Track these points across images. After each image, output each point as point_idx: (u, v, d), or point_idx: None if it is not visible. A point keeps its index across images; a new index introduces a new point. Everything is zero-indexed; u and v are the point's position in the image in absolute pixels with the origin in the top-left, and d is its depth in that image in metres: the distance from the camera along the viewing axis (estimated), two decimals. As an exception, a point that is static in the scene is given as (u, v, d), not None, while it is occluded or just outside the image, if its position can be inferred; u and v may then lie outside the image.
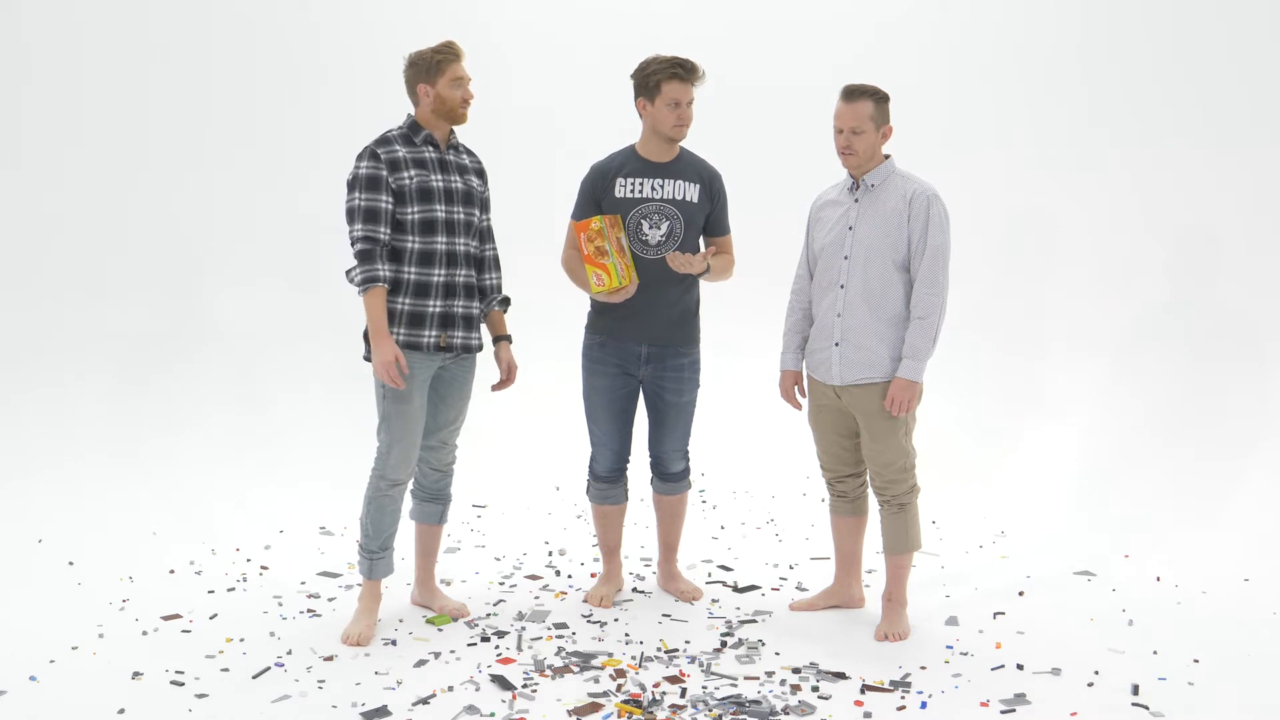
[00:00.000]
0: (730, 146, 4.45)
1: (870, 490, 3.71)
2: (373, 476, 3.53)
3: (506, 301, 3.68)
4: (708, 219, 3.70)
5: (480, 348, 3.59)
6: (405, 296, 3.40)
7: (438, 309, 3.44)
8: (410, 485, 3.70)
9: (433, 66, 3.38)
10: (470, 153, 3.61)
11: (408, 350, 3.41)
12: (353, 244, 3.33)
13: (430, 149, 3.44)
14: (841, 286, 3.50)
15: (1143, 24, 5.21)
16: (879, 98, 3.44)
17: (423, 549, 3.77)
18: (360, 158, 3.36)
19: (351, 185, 3.35)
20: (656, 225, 3.61)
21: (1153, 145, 5.14)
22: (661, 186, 3.62)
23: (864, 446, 3.59)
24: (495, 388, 3.69)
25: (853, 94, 3.44)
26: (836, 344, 3.52)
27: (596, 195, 3.67)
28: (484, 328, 3.68)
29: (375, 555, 3.58)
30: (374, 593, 3.62)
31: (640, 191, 3.62)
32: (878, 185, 3.50)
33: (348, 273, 3.36)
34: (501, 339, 3.69)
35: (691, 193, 3.63)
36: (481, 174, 3.60)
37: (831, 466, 3.72)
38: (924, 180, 3.49)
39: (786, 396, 3.73)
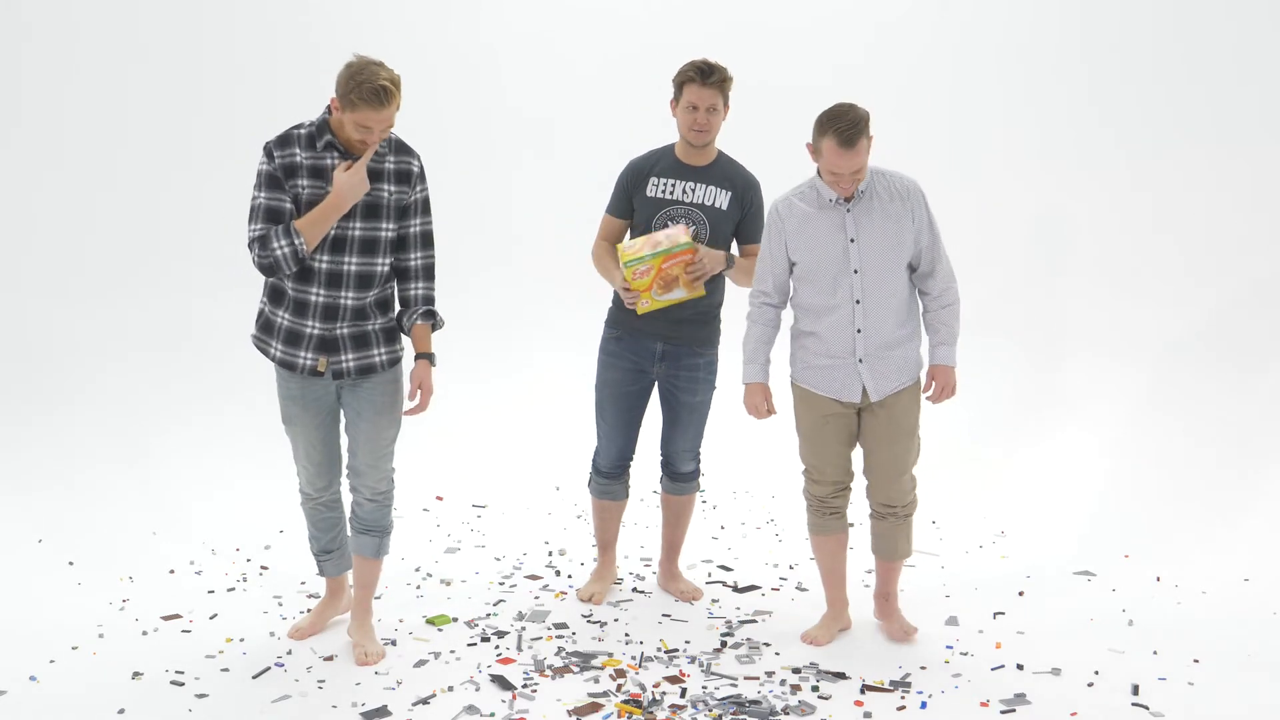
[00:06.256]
0: (730, 147, 4.44)
1: (869, 503, 3.57)
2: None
3: (431, 315, 3.32)
4: (739, 227, 3.68)
5: (387, 365, 3.31)
6: (286, 312, 3.21)
7: (316, 331, 3.20)
8: (348, 514, 3.50)
9: (345, 98, 3.00)
10: (402, 148, 3.26)
11: (283, 369, 3.27)
12: (250, 245, 3.10)
13: (333, 155, 3.13)
14: (857, 302, 3.34)
15: (1147, 20, 5.20)
16: (867, 123, 3.20)
17: (360, 581, 3.48)
18: (263, 152, 3.12)
19: (255, 183, 3.12)
20: None
21: (1157, 143, 5.13)
22: (693, 190, 3.62)
23: (879, 455, 3.46)
24: (408, 412, 3.34)
25: (852, 138, 3.15)
26: (860, 360, 3.37)
27: (630, 191, 3.68)
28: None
29: (320, 558, 3.58)
30: (331, 587, 3.62)
31: (671, 193, 3.62)
32: (866, 189, 3.34)
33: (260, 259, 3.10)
34: (421, 356, 3.30)
35: (722, 199, 3.62)
36: (407, 176, 3.24)
37: (835, 478, 3.53)
38: (895, 169, 3.40)
39: (759, 410, 3.50)
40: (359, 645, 3.44)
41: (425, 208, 3.32)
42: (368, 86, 2.96)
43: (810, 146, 3.30)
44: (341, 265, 3.18)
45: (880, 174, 3.37)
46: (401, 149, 3.26)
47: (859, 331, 3.35)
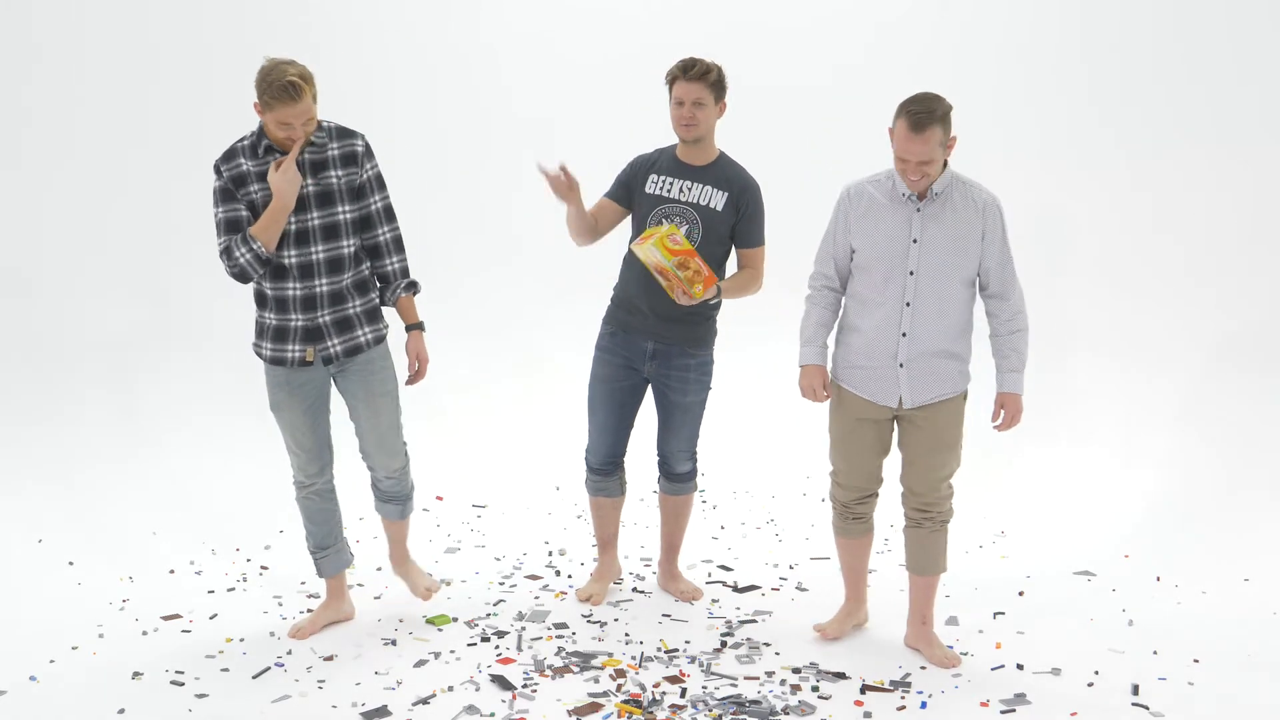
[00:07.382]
0: (730, 146, 4.45)
1: (904, 510, 3.48)
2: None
3: (413, 286, 3.49)
4: (734, 230, 3.66)
5: (373, 344, 3.43)
6: (270, 312, 3.35)
7: (300, 323, 3.33)
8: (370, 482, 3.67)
9: (261, 99, 3.13)
10: (343, 133, 3.34)
11: (274, 366, 3.38)
12: (220, 258, 3.25)
13: (275, 157, 3.24)
14: (908, 304, 3.24)
15: (1147, 20, 5.20)
16: (945, 116, 3.09)
17: (393, 537, 3.74)
18: (213, 171, 3.27)
19: (212, 201, 3.28)
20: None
21: (1157, 143, 5.13)
22: (689, 190, 3.62)
23: (918, 464, 3.38)
24: (408, 382, 3.52)
25: (922, 123, 3.06)
26: (901, 365, 3.28)
27: (630, 183, 3.69)
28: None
29: (316, 555, 3.61)
30: (331, 589, 3.66)
31: (668, 191, 3.63)
32: (942, 193, 3.22)
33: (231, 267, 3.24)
34: (413, 328, 3.49)
35: (717, 200, 3.61)
36: (353, 158, 3.32)
37: (861, 486, 3.47)
38: (981, 183, 3.29)
39: (815, 392, 3.41)
40: (413, 581, 3.73)
41: (380, 183, 3.42)
42: (277, 85, 3.09)
43: (891, 131, 3.21)
44: (310, 255, 3.30)
45: (961, 181, 3.25)
46: (343, 134, 3.35)
47: (904, 335, 3.27)
